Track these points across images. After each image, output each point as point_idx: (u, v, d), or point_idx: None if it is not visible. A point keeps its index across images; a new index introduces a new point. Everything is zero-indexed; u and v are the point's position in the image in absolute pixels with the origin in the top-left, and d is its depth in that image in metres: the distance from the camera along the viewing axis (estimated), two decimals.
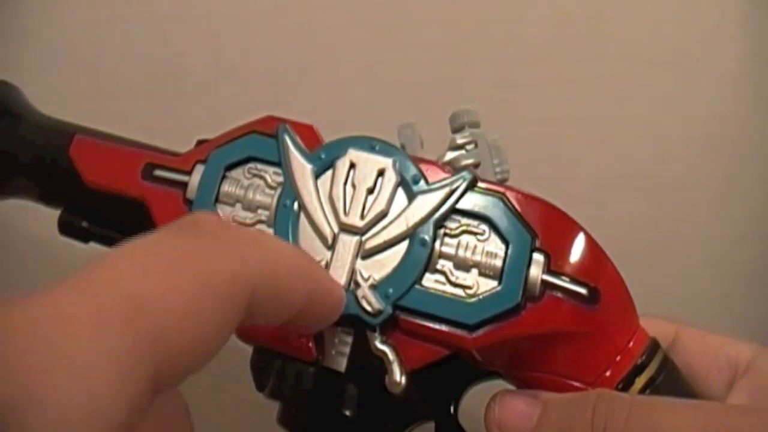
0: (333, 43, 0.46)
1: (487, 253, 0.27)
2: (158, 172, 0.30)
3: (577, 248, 0.27)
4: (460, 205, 0.27)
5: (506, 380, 0.29)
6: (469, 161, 0.29)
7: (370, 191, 0.28)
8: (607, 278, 0.27)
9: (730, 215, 0.44)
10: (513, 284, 0.26)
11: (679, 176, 0.44)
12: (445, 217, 0.27)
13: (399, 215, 0.27)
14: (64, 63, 0.46)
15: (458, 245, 0.27)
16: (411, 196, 0.28)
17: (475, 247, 0.27)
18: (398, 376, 0.26)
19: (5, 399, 0.14)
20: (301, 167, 0.28)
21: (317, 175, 0.28)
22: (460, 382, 0.30)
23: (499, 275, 0.26)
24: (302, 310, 0.21)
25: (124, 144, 0.31)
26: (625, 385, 0.26)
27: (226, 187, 0.29)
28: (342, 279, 0.27)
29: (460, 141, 0.30)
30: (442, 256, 0.27)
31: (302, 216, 0.28)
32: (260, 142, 0.29)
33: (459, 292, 0.27)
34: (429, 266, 0.27)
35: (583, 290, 0.26)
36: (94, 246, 0.33)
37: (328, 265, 0.27)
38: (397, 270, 0.27)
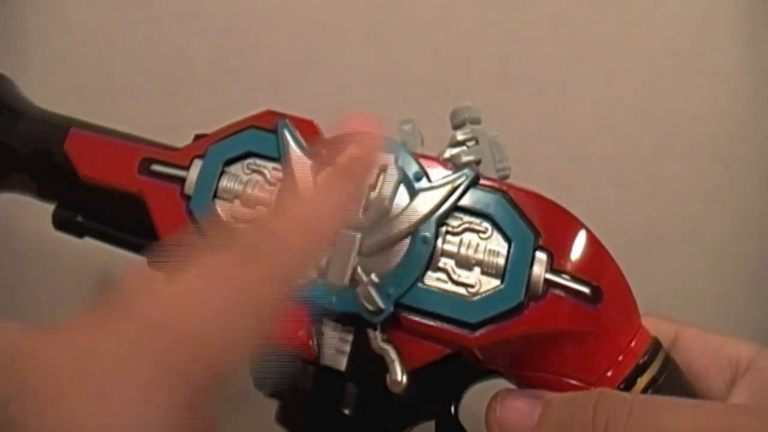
0: (333, 41, 0.46)
1: (490, 251, 0.27)
2: (155, 167, 0.29)
3: (580, 246, 0.27)
4: (462, 203, 0.27)
5: (507, 379, 0.29)
6: (470, 158, 0.29)
7: (372, 188, 0.27)
8: (609, 277, 0.27)
9: (728, 214, 0.44)
10: (516, 283, 0.26)
11: (678, 175, 0.44)
12: (448, 214, 0.27)
13: (401, 212, 0.27)
14: (64, 61, 0.46)
15: (460, 243, 0.27)
16: (413, 194, 0.27)
17: (478, 245, 0.27)
18: (399, 375, 0.26)
19: None
20: (301, 163, 0.28)
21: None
22: (461, 381, 0.29)
23: (501, 274, 0.26)
24: None
25: (121, 138, 0.31)
26: (627, 385, 0.26)
27: (225, 183, 0.29)
28: (343, 277, 0.26)
29: (460, 137, 0.29)
30: (444, 254, 0.27)
31: None
32: (259, 137, 0.29)
33: (461, 290, 0.26)
34: (431, 264, 0.27)
35: (585, 289, 0.26)
36: (89, 241, 0.33)
37: (329, 263, 0.27)
38: (398, 268, 0.26)
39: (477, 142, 0.29)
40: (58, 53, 0.46)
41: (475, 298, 0.26)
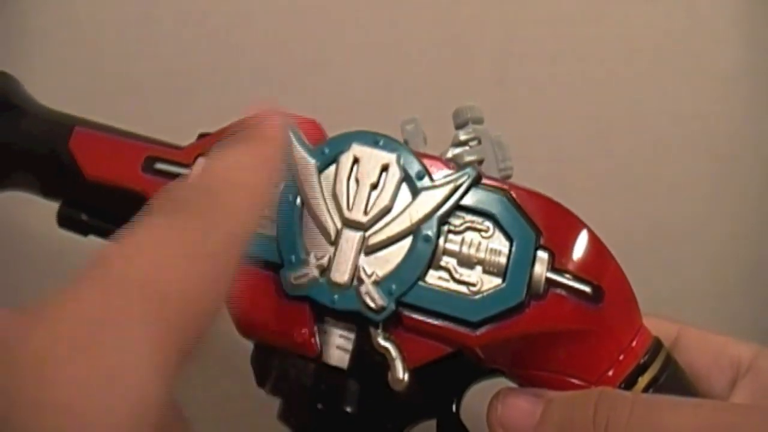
0: (336, 40, 0.46)
1: (492, 250, 0.27)
2: (159, 165, 0.30)
3: (581, 246, 0.27)
4: (464, 202, 0.27)
5: (509, 378, 0.29)
6: (473, 157, 0.29)
7: (374, 187, 0.28)
8: (610, 276, 0.27)
9: (728, 214, 0.44)
10: (517, 282, 0.26)
11: (678, 175, 0.44)
12: (449, 213, 0.27)
13: (403, 211, 0.27)
14: (69, 60, 0.46)
15: (462, 242, 0.27)
16: (415, 192, 0.27)
17: (480, 244, 0.27)
18: (401, 373, 0.26)
19: (45, 423, 0.14)
20: (305, 162, 0.28)
21: (320, 170, 0.28)
22: (463, 379, 0.29)
23: (503, 273, 0.26)
24: None
25: (125, 137, 0.31)
26: (628, 384, 0.26)
27: None
28: (345, 275, 0.26)
29: (463, 137, 0.29)
30: (446, 252, 0.27)
31: (305, 211, 0.28)
32: None
33: (463, 289, 0.26)
34: (433, 263, 0.27)
35: (587, 288, 0.26)
36: (93, 239, 0.33)
37: (331, 261, 0.27)
38: (400, 266, 0.27)
39: (479, 142, 0.29)
40: (63, 52, 0.46)
41: (477, 296, 0.26)
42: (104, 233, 0.32)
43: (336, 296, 0.27)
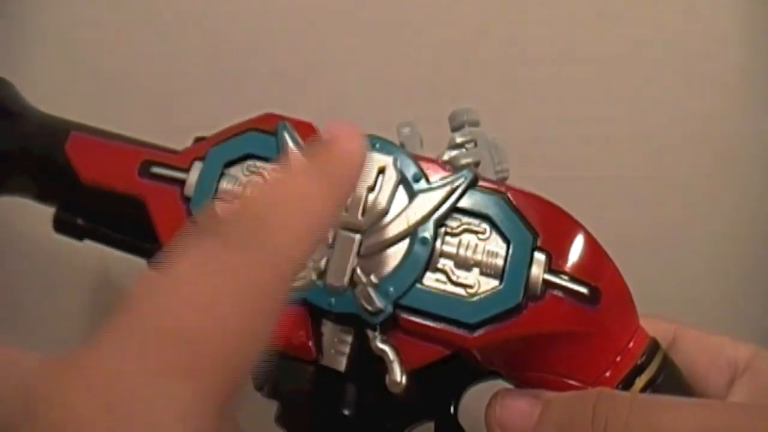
0: (332, 42, 0.46)
1: (489, 252, 0.27)
2: (155, 170, 0.29)
3: (578, 247, 0.27)
4: (461, 204, 0.27)
5: (506, 380, 0.29)
6: (469, 160, 0.29)
7: (371, 189, 0.27)
8: (608, 278, 0.27)
9: (728, 214, 0.44)
10: (514, 283, 0.26)
11: (678, 175, 0.44)
12: (446, 215, 0.27)
13: (400, 214, 0.27)
14: (65, 64, 0.46)
15: (459, 244, 0.27)
16: (412, 195, 0.27)
17: (476, 246, 0.27)
18: (398, 375, 0.26)
19: None
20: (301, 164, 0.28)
21: None
22: (460, 381, 0.29)
23: (500, 274, 0.26)
24: None
25: (121, 141, 0.31)
26: (626, 385, 0.26)
27: (225, 185, 0.29)
28: (342, 278, 0.26)
29: (459, 139, 0.29)
30: (443, 255, 0.27)
31: None
32: (259, 139, 0.29)
33: (460, 291, 0.26)
34: (430, 265, 0.27)
35: (584, 290, 0.26)
36: (89, 244, 0.33)
37: (328, 264, 0.27)
38: (397, 269, 0.27)
39: (476, 144, 0.29)
40: (59, 56, 0.46)
41: (474, 298, 0.26)
42: (101, 238, 0.32)
43: (333, 299, 0.27)
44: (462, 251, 0.27)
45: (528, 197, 0.27)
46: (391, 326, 0.27)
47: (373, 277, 0.26)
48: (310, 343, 0.27)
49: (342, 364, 0.27)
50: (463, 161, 0.29)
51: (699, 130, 0.45)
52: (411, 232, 0.27)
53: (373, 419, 0.29)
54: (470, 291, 0.26)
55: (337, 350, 0.27)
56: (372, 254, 0.27)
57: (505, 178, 0.29)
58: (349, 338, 0.27)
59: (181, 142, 0.31)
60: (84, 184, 0.30)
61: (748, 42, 0.45)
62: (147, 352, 0.15)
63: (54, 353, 0.16)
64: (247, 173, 0.29)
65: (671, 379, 0.27)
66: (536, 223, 0.27)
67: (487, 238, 0.27)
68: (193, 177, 0.29)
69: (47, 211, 0.32)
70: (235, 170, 0.29)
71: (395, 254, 0.27)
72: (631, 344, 0.27)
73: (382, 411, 0.28)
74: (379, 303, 0.26)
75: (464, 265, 0.27)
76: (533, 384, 0.27)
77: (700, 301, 0.43)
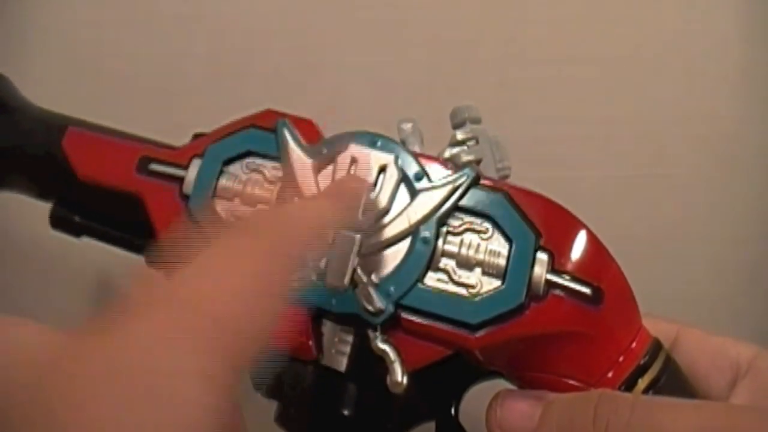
0: (333, 40, 0.46)
1: (491, 251, 0.26)
2: (154, 166, 0.29)
3: (581, 247, 0.27)
4: (463, 203, 0.27)
5: (508, 380, 0.29)
6: (471, 157, 0.29)
7: (372, 187, 0.27)
8: (610, 278, 0.27)
9: (729, 214, 0.44)
10: (517, 283, 0.26)
11: (678, 176, 0.44)
12: (448, 214, 0.27)
13: (401, 212, 0.27)
14: (63, 60, 0.46)
15: (461, 243, 0.27)
16: (413, 193, 0.27)
17: (479, 245, 0.27)
18: (399, 375, 0.26)
19: None
20: (301, 162, 0.28)
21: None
22: (461, 381, 0.29)
23: (502, 274, 0.26)
24: None
25: (119, 137, 0.31)
26: (628, 385, 0.26)
27: (224, 182, 0.28)
28: (343, 277, 0.26)
29: (460, 137, 0.29)
30: (445, 254, 0.27)
31: None
32: (259, 136, 0.29)
33: (462, 291, 0.26)
34: (431, 264, 0.26)
35: (586, 290, 0.26)
36: (88, 242, 0.32)
37: (328, 264, 0.27)
38: (398, 268, 0.26)
39: (477, 142, 0.29)
40: (57, 53, 0.46)
41: (476, 298, 0.26)
42: (98, 235, 0.32)
43: (334, 299, 0.26)
44: (464, 251, 0.27)
45: (530, 196, 0.27)
46: (392, 326, 0.26)
47: (374, 277, 0.26)
48: (311, 343, 0.27)
49: (342, 364, 0.27)
50: (465, 158, 0.28)
51: (699, 130, 0.45)
52: (412, 232, 0.27)
53: (374, 419, 0.28)
54: (472, 291, 0.26)
55: (338, 350, 0.27)
56: (373, 254, 0.27)
57: (506, 176, 0.29)
58: (350, 338, 0.27)
59: (180, 139, 0.30)
60: (81, 181, 0.30)
61: (748, 42, 0.45)
62: (178, 322, 0.16)
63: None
64: (247, 171, 0.29)
65: (674, 380, 0.27)
66: (539, 222, 0.27)
67: (490, 238, 0.27)
68: (191, 174, 0.28)
69: (46, 211, 0.32)
70: (234, 167, 0.29)
71: (396, 254, 0.27)
72: (634, 344, 0.27)
73: (383, 411, 0.28)
74: (379, 303, 0.26)
75: (466, 264, 0.26)
76: (535, 384, 0.27)
77: (700, 301, 0.43)
